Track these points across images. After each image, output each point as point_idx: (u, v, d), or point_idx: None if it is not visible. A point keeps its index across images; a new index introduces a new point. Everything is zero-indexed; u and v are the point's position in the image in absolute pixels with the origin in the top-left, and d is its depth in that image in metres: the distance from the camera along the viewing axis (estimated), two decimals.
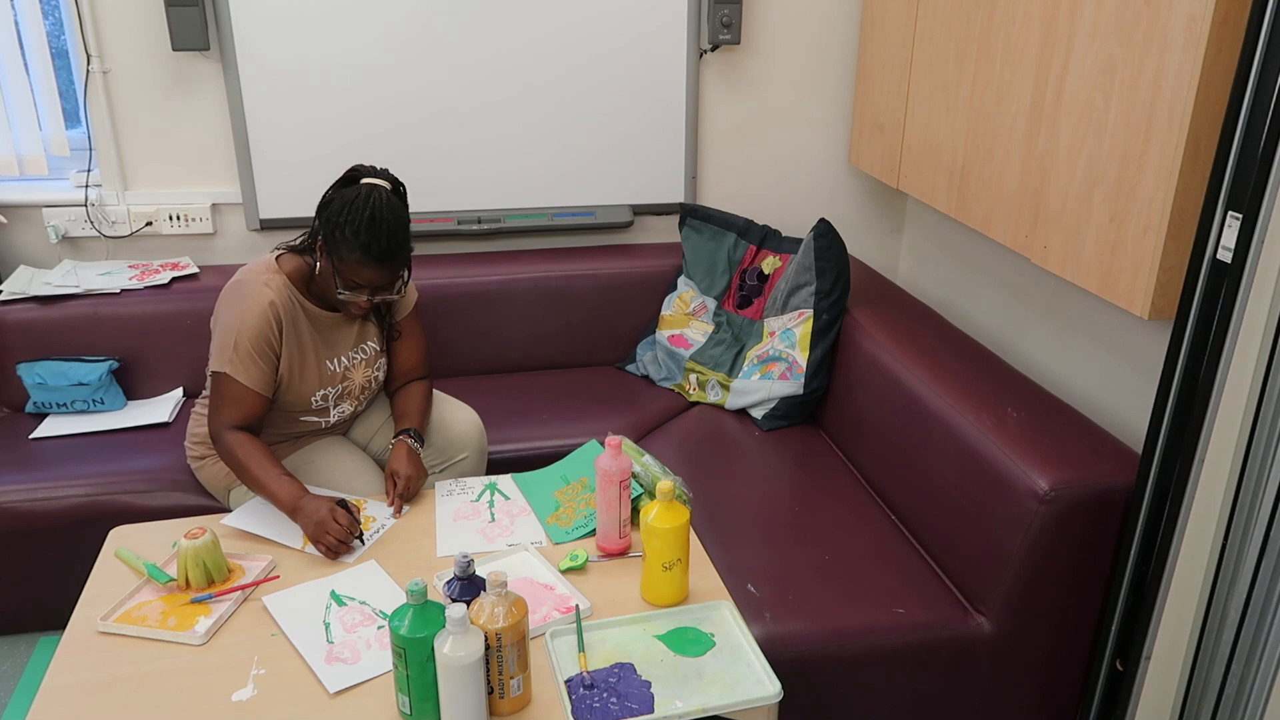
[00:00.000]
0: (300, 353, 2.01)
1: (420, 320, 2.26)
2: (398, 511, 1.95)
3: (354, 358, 2.10)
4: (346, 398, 2.11)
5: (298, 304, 1.99)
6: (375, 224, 1.85)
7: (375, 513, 1.94)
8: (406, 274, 2.01)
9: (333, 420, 2.13)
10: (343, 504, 1.84)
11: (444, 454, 2.21)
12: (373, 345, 2.14)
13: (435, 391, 2.33)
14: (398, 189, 1.96)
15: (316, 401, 2.06)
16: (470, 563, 1.49)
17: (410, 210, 2.93)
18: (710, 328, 2.84)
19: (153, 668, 1.53)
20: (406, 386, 2.22)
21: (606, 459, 1.74)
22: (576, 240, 3.14)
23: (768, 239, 2.88)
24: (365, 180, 1.93)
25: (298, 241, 2.04)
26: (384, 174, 1.96)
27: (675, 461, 2.43)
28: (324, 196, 1.93)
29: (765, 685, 1.48)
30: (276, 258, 2.02)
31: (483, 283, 2.87)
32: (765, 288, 2.83)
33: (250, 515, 1.90)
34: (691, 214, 2.96)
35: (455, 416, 2.24)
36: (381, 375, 2.18)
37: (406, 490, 1.97)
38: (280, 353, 1.97)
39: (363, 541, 1.84)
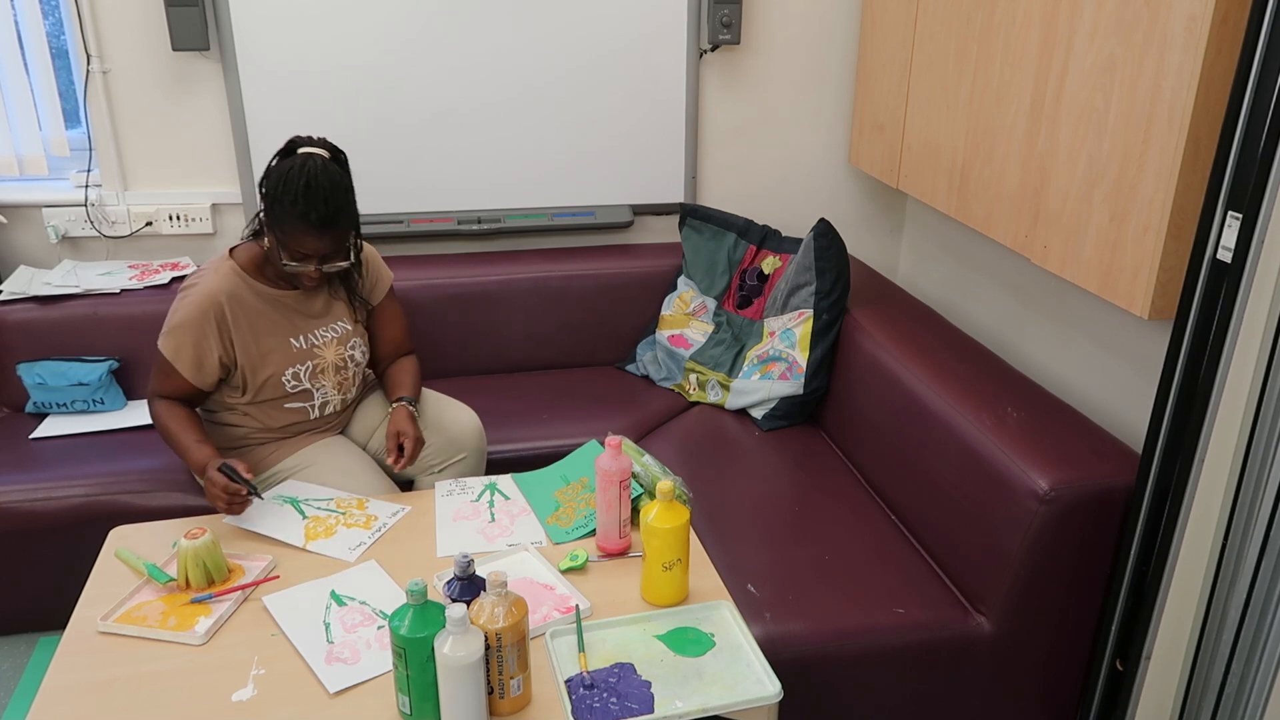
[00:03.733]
0: (254, 334, 2.02)
1: (397, 299, 2.30)
2: (399, 466, 2.03)
3: (323, 336, 2.11)
4: (321, 375, 2.11)
5: (249, 287, 2.02)
6: (312, 191, 1.87)
7: (377, 511, 1.94)
8: (355, 239, 2.03)
9: (317, 403, 2.13)
10: (224, 468, 1.86)
11: (443, 454, 2.21)
12: (344, 325, 2.15)
13: (434, 392, 2.33)
14: (337, 156, 1.98)
15: (289, 381, 2.07)
16: (470, 563, 1.49)
17: (410, 210, 2.97)
18: (710, 328, 2.84)
19: (153, 668, 1.53)
20: (396, 362, 2.27)
21: (606, 459, 1.74)
22: (576, 240, 3.14)
23: (768, 239, 2.88)
24: (302, 150, 1.94)
25: (247, 232, 2.08)
26: (322, 142, 1.98)
27: (675, 461, 2.43)
28: (264, 171, 1.96)
29: (765, 685, 1.48)
30: (230, 250, 2.07)
31: (483, 283, 2.87)
32: (765, 288, 2.83)
33: (250, 514, 1.90)
34: (691, 214, 2.96)
35: (454, 416, 2.24)
36: (359, 355, 2.19)
37: (414, 451, 2.03)
38: (230, 339, 2.00)
39: (259, 495, 1.89)
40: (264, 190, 1.93)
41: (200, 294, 1.97)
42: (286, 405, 2.10)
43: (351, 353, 2.16)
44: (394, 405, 2.13)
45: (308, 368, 2.09)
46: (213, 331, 1.97)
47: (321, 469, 2.09)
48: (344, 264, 2.01)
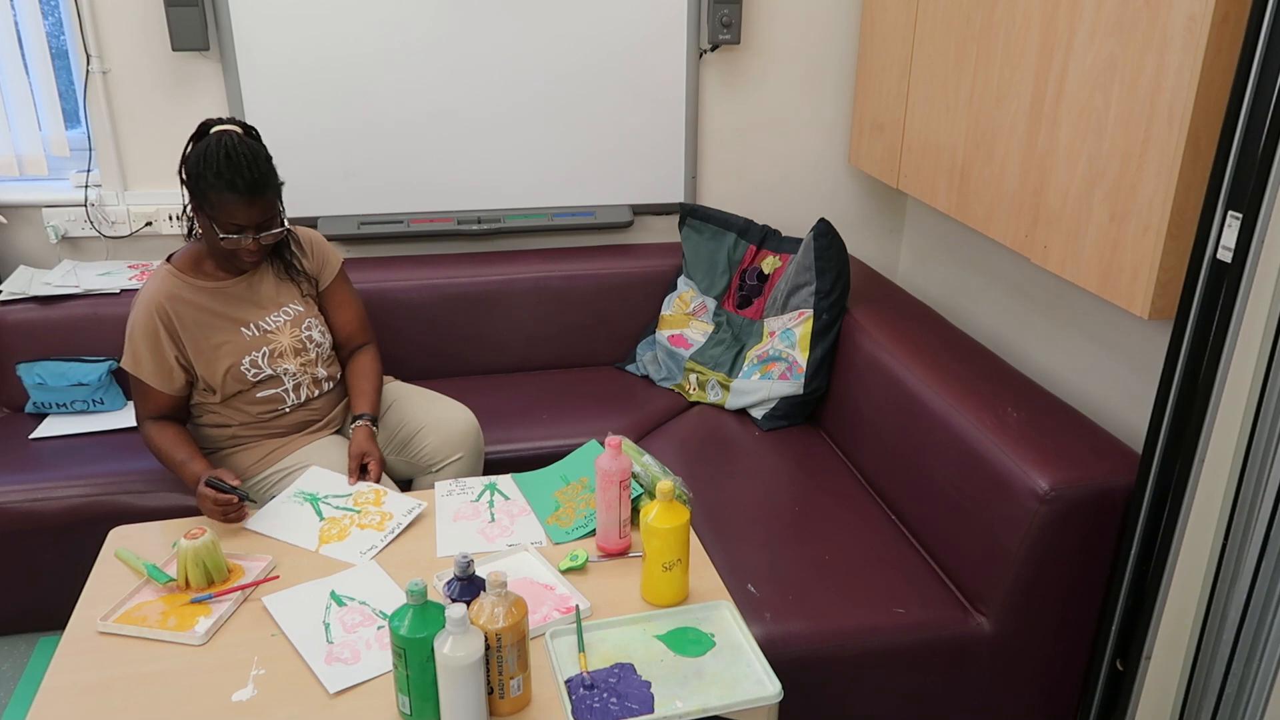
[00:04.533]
0: (202, 331, 2.04)
1: (351, 283, 2.30)
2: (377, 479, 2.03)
3: (274, 320, 2.12)
4: (281, 359, 2.11)
5: (189, 285, 2.04)
6: (234, 160, 1.90)
7: (393, 509, 1.93)
8: (281, 208, 2.06)
9: (289, 386, 2.13)
10: (211, 481, 1.87)
11: (439, 454, 2.21)
12: (295, 307, 2.16)
13: (430, 391, 2.33)
14: (250, 131, 2.02)
15: (249, 370, 2.07)
16: (470, 563, 1.49)
17: (410, 210, 2.96)
18: (710, 328, 2.84)
19: (153, 668, 1.53)
20: (355, 360, 2.28)
21: (606, 459, 1.74)
22: (576, 240, 3.14)
23: (768, 239, 2.88)
24: (215, 129, 1.97)
25: (183, 232, 2.09)
26: (232, 120, 2.01)
27: (675, 461, 2.43)
28: (180, 158, 1.98)
29: (765, 685, 1.48)
30: (168, 257, 2.08)
31: (483, 283, 2.87)
32: (765, 287, 2.83)
33: (268, 517, 1.90)
34: (691, 214, 2.96)
35: (450, 416, 2.24)
36: (317, 335, 2.18)
37: (377, 472, 2.04)
38: (180, 341, 2.02)
39: (253, 500, 1.92)
40: (184, 175, 1.96)
41: (140, 304, 2.01)
42: (258, 395, 2.11)
43: (308, 333, 2.16)
44: (355, 424, 2.13)
45: (264, 353, 2.09)
46: (163, 335, 2.00)
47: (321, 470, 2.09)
48: (279, 231, 2.03)
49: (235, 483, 1.87)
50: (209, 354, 2.04)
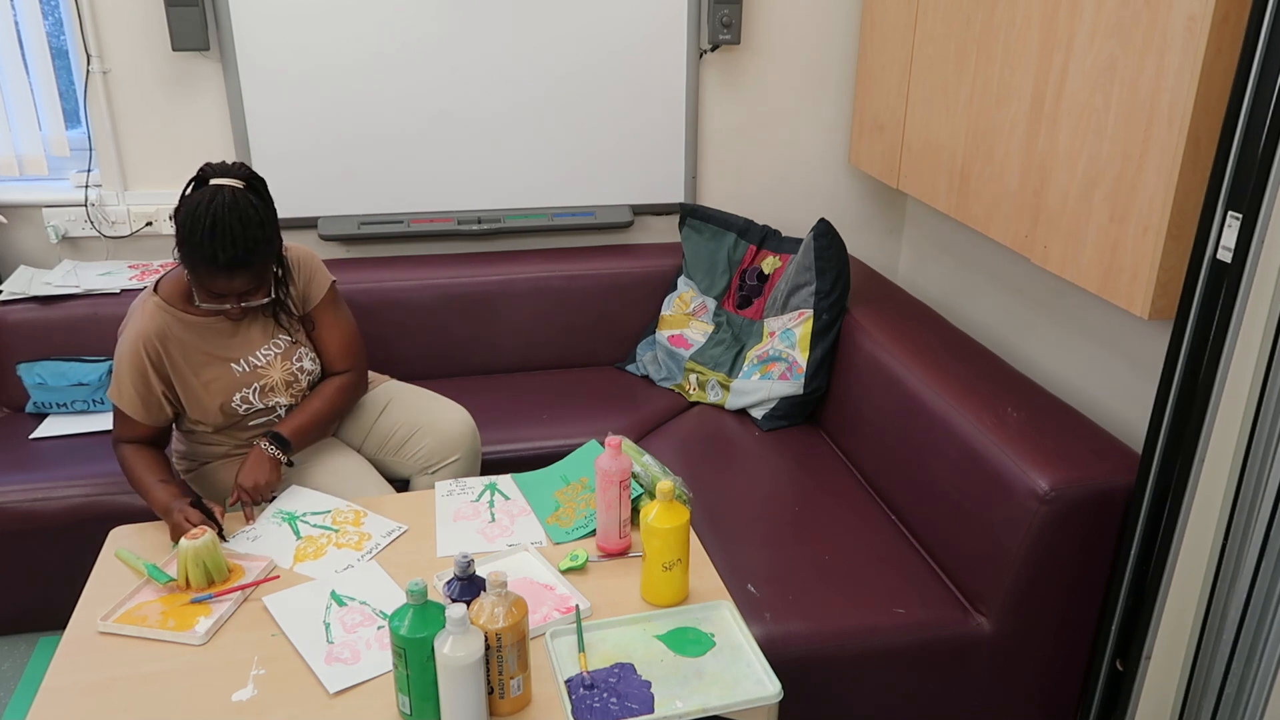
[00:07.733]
0: (192, 368, 1.98)
1: (340, 308, 2.18)
2: (249, 520, 1.92)
3: (265, 355, 2.05)
4: (272, 393, 2.06)
5: (178, 320, 1.96)
6: (218, 232, 1.78)
7: (372, 529, 1.89)
8: (279, 271, 2.00)
9: (281, 414, 2.10)
10: (196, 503, 1.83)
11: (436, 456, 2.20)
12: (285, 338, 2.08)
13: (426, 391, 2.32)
14: (253, 184, 1.88)
15: (239, 405, 2.03)
16: (470, 563, 1.49)
17: (410, 210, 2.96)
18: (710, 328, 2.84)
19: (153, 668, 1.53)
20: (321, 383, 2.16)
21: (606, 459, 1.74)
22: (576, 240, 3.14)
23: (768, 239, 2.88)
24: (213, 181, 1.84)
25: (174, 262, 1.94)
26: (238, 169, 1.87)
27: (675, 461, 2.43)
28: (178, 199, 1.86)
29: (765, 685, 1.48)
30: (156, 284, 2.00)
31: (483, 283, 2.87)
32: (765, 288, 2.83)
33: (245, 535, 1.89)
34: (691, 214, 2.97)
35: (447, 418, 2.23)
36: (309, 364, 2.12)
37: (249, 501, 1.93)
38: (168, 377, 1.96)
39: (224, 538, 1.83)
40: (175, 224, 1.83)
41: (128, 340, 1.93)
42: (250, 424, 2.08)
43: (299, 364, 2.10)
44: (258, 440, 2.01)
45: (255, 389, 2.04)
46: (151, 373, 1.94)
47: (313, 471, 2.09)
48: (264, 300, 1.94)
49: (221, 520, 1.84)
50: (198, 391, 1.99)
